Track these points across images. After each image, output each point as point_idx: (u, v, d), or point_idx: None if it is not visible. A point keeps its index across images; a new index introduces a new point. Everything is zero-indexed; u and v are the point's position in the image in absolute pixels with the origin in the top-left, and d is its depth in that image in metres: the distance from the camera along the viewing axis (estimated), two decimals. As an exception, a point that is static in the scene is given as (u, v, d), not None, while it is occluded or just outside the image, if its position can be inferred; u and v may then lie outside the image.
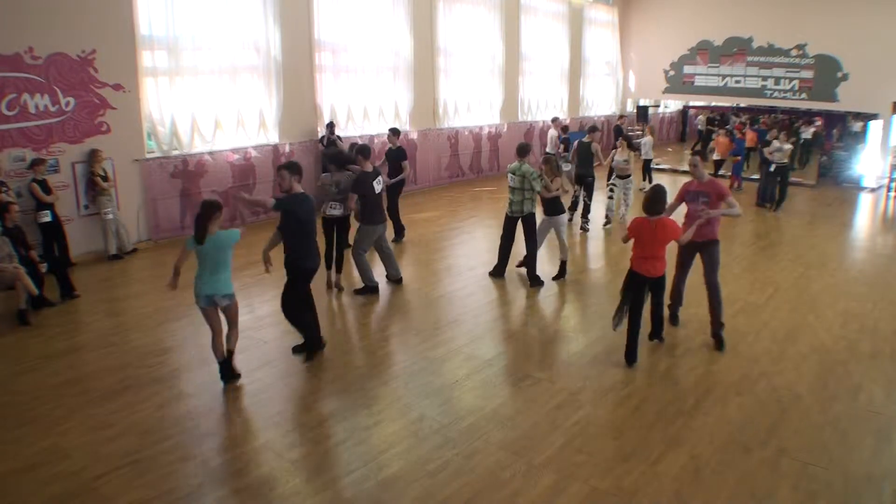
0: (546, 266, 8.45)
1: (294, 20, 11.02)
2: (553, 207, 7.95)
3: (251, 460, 4.37)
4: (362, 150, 7.41)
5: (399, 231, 9.89)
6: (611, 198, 10.97)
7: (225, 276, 5.19)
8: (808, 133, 17.41)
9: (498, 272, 8.18)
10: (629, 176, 10.93)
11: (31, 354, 5.97)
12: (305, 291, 5.85)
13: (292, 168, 5.65)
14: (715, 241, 6.09)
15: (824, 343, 6.32)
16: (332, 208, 7.32)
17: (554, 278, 8.09)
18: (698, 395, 5.27)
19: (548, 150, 13.85)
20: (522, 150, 7.79)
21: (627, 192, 11.04)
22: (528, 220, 7.81)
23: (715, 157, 14.65)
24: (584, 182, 10.60)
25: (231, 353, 5.44)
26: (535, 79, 17.09)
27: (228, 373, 5.39)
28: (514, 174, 7.69)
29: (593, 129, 11.04)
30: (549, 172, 7.89)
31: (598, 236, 10.46)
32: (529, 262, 7.94)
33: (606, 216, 10.92)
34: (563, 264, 8.15)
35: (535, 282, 7.89)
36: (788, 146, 12.45)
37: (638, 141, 14.46)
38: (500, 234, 8.10)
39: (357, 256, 7.46)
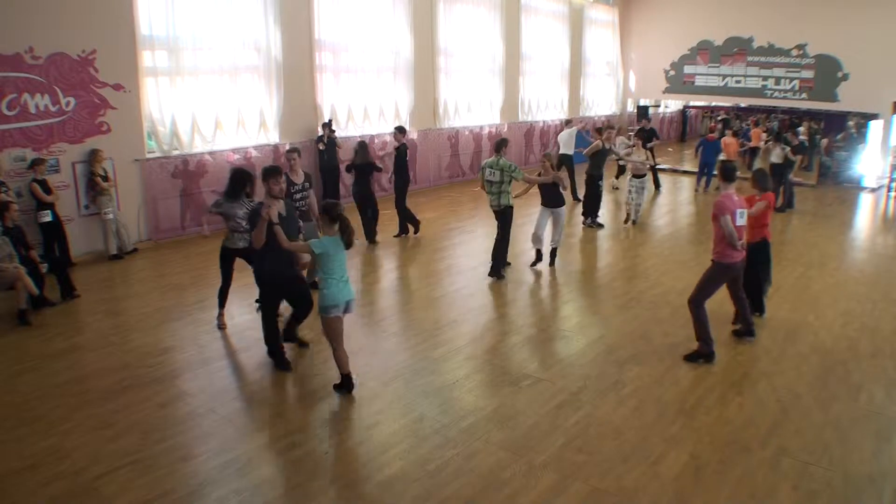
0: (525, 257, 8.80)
1: (294, 20, 11.02)
2: (554, 199, 8.35)
3: (251, 460, 4.37)
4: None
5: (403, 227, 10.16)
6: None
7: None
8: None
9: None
10: (644, 176, 10.93)
11: (32, 354, 5.97)
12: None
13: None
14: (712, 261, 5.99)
15: (824, 343, 6.32)
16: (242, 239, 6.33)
17: (550, 263, 8.63)
18: (698, 395, 5.27)
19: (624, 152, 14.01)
20: (500, 146, 8.01)
21: (641, 192, 10.92)
22: (507, 214, 7.97)
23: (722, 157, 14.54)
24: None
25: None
26: (536, 79, 17.10)
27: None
28: (492, 168, 7.83)
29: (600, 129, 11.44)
30: (547, 168, 8.31)
31: (597, 236, 10.45)
32: (499, 254, 8.13)
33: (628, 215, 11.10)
34: (553, 251, 8.66)
35: (495, 273, 8.09)
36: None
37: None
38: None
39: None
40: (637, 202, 10.95)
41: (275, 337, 5.73)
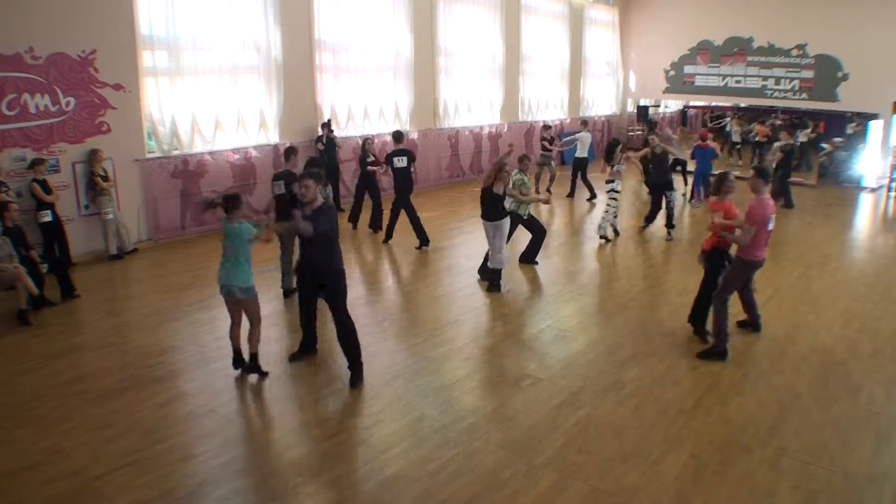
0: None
1: (294, 20, 11.02)
2: (490, 211, 7.50)
3: (251, 460, 4.37)
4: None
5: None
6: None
7: (241, 268, 5.30)
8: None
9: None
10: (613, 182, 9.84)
11: (32, 354, 5.97)
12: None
13: (318, 178, 5.31)
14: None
15: (824, 343, 6.32)
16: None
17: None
18: (698, 395, 5.27)
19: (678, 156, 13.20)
20: (520, 160, 8.36)
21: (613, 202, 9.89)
22: (511, 219, 7.94)
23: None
24: (661, 189, 10.24)
25: (253, 355, 5.51)
26: (536, 79, 17.10)
27: (250, 368, 5.55)
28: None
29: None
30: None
31: (595, 238, 10.44)
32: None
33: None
34: (496, 273, 7.66)
35: (485, 275, 8.00)
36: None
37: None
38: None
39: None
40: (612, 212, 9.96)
41: (307, 331, 5.83)
